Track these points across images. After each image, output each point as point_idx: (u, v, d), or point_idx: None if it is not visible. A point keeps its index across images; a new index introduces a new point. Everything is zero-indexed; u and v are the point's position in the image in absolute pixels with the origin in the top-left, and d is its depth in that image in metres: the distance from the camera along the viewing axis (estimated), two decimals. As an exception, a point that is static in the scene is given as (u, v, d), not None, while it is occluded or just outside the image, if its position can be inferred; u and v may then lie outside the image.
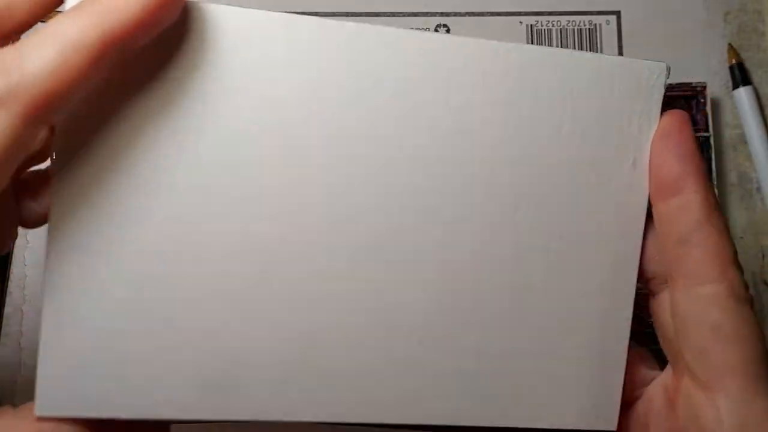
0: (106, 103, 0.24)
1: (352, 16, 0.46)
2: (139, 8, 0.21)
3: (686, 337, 0.25)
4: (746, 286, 0.25)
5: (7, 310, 0.42)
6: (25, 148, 0.22)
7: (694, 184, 0.25)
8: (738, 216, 0.45)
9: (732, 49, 0.46)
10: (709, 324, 0.24)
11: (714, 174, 0.44)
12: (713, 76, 0.46)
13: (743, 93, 0.45)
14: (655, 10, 0.47)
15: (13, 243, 0.29)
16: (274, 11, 0.25)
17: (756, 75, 0.46)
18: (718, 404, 0.24)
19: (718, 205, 0.25)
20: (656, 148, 0.26)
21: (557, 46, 0.46)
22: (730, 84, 0.46)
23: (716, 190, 0.43)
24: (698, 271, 0.25)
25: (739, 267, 0.25)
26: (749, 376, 0.24)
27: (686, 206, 0.25)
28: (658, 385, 0.28)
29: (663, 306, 0.27)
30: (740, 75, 0.46)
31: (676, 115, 0.26)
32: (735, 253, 0.25)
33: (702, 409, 0.25)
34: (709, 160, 0.44)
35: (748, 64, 0.46)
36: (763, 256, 0.45)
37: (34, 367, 0.41)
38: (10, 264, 0.42)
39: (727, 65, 0.46)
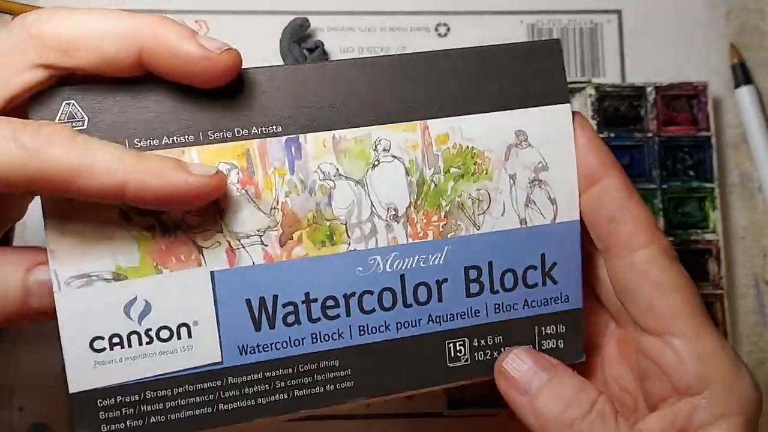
0: None
1: (354, 15, 0.46)
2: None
3: (631, 297, 0.28)
4: (672, 246, 0.29)
5: (5, 310, 0.42)
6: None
7: (610, 171, 0.29)
8: (739, 216, 0.45)
9: (734, 49, 0.46)
10: (650, 282, 0.28)
11: (715, 173, 0.43)
12: (715, 76, 0.46)
13: (745, 92, 0.45)
14: (657, 9, 0.47)
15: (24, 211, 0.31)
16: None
17: (758, 74, 0.46)
18: (674, 346, 0.28)
19: (632, 185, 0.29)
20: (577, 148, 0.30)
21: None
22: (732, 83, 0.46)
23: (717, 190, 0.43)
24: (631, 240, 0.28)
25: (662, 231, 0.29)
26: (695, 317, 0.28)
27: (607, 190, 0.29)
28: (609, 338, 0.32)
29: (601, 273, 0.31)
30: (742, 74, 0.45)
31: (579, 117, 0.30)
32: (655, 219, 0.29)
33: (659, 353, 0.28)
34: (711, 159, 0.44)
35: (749, 64, 0.46)
36: (765, 256, 0.45)
37: (32, 367, 0.41)
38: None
39: (728, 64, 0.46)
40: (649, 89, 0.44)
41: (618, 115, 0.44)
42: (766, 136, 0.45)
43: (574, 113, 0.30)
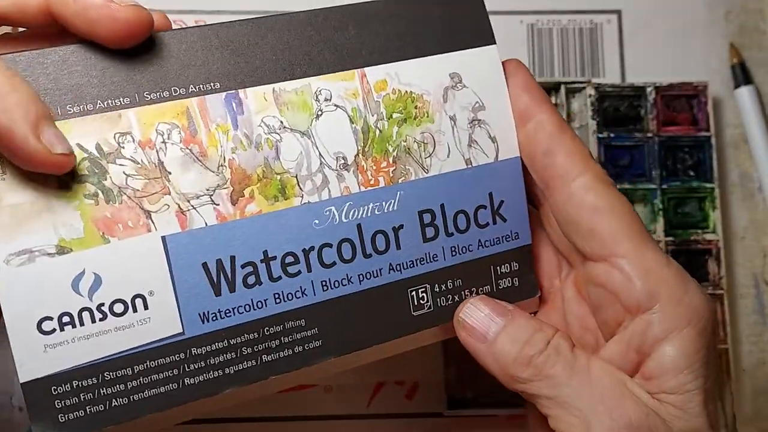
0: None
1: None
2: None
3: (573, 225, 0.29)
4: (606, 173, 0.30)
5: (5, 310, 0.42)
6: None
7: (542, 108, 0.30)
8: (739, 215, 0.45)
9: (734, 49, 0.46)
10: (589, 207, 0.29)
11: (715, 173, 0.43)
12: (714, 76, 0.46)
13: (745, 92, 0.45)
14: (657, 9, 0.47)
15: None
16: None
17: (758, 74, 0.46)
18: (620, 266, 0.28)
19: (564, 121, 0.31)
20: (510, 88, 0.31)
21: (558, 46, 0.46)
22: (732, 83, 0.46)
23: (717, 190, 0.43)
24: (566, 171, 0.29)
25: (595, 160, 0.30)
26: (635, 236, 0.28)
27: (540, 125, 0.30)
28: (565, 281, 0.33)
29: (548, 214, 0.31)
30: (742, 74, 0.45)
31: (513, 61, 0.31)
32: (589, 150, 0.30)
33: (607, 276, 0.29)
34: (711, 159, 0.44)
35: (749, 64, 0.46)
36: (765, 256, 0.45)
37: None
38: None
39: (728, 64, 0.46)
40: (649, 89, 0.44)
41: (618, 115, 0.44)
42: (766, 136, 0.45)
43: (508, 60, 0.31)
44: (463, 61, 0.30)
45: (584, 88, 0.44)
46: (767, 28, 0.47)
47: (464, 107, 0.30)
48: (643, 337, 0.28)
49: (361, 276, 0.29)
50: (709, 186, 0.43)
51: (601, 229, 0.29)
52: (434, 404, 0.42)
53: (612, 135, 0.43)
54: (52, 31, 0.27)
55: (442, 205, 0.30)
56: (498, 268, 0.31)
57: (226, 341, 0.27)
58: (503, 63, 0.31)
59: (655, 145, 0.43)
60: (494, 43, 0.31)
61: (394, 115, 0.29)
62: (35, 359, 0.25)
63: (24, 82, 0.25)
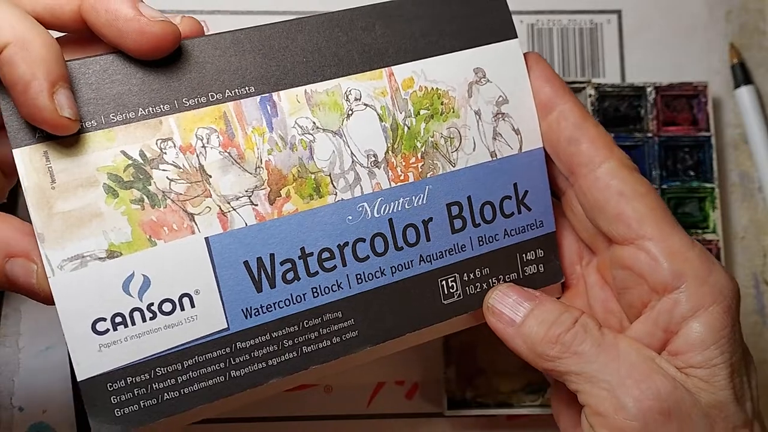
0: None
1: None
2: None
3: (600, 210, 0.30)
4: (629, 158, 0.31)
5: (5, 310, 0.42)
6: None
7: (564, 98, 0.31)
8: (739, 215, 0.45)
9: (734, 49, 0.46)
10: (615, 192, 0.30)
11: (715, 173, 0.43)
12: (714, 76, 0.46)
13: (745, 92, 0.45)
14: (657, 9, 0.47)
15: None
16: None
17: (758, 74, 0.46)
18: (646, 248, 0.29)
19: (585, 109, 0.31)
20: (532, 81, 0.32)
21: (558, 46, 0.46)
22: (732, 83, 0.46)
23: (717, 190, 0.43)
24: (591, 157, 0.30)
25: (618, 147, 0.31)
26: (660, 219, 0.29)
27: (563, 115, 0.31)
28: (587, 267, 0.34)
29: (570, 202, 0.32)
30: (742, 74, 0.45)
31: (532, 54, 0.32)
32: (612, 137, 0.31)
33: (633, 259, 0.29)
34: (711, 159, 0.43)
35: (749, 64, 0.46)
36: (765, 256, 0.45)
37: (32, 368, 0.41)
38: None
39: (728, 64, 0.46)
40: (649, 89, 0.44)
41: (618, 115, 0.44)
42: (766, 136, 0.45)
43: (529, 53, 0.32)
44: (486, 56, 0.31)
45: (584, 88, 0.44)
46: (767, 28, 0.47)
47: (488, 101, 0.31)
48: (671, 315, 0.29)
49: (393, 268, 0.30)
50: (709, 186, 0.43)
51: (627, 213, 0.29)
52: (434, 404, 0.42)
53: (612, 135, 0.43)
54: (87, 35, 0.27)
55: (468, 197, 0.31)
56: (524, 255, 0.32)
57: (268, 335, 0.29)
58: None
59: (655, 145, 0.43)
60: (516, 36, 0.32)
61: (422, 112, 0.30)
62: (91, 358, 0.26)
63: (55, 42, 0.25)
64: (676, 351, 0.28)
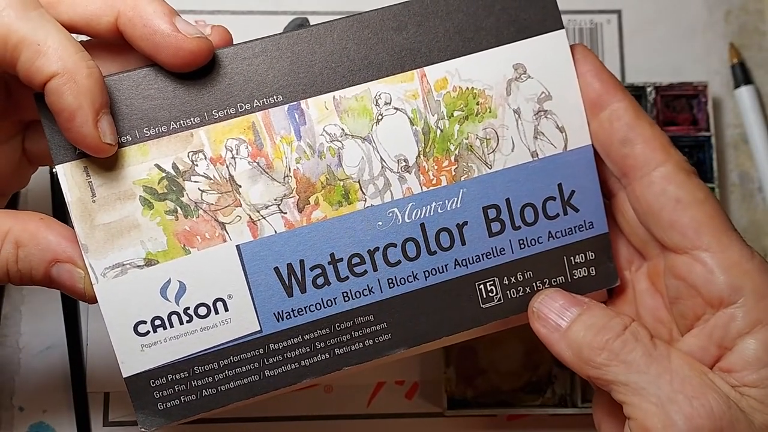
0: None
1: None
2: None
3: (654, 216, 0.29)
4: (687, 161, 0.29)
5: (5, 310, 0.42)
6: None
7: (616, 95, 0.29)
8: (739, 216, 0.45)
9: (733, 49, 0.46)
10: (671, 199, 0.28)
11: (715, 174, 0.43)
12: (714, 76, 0.46)
13: (745, 92, 0.45)
14: (657, 9, 0.47)
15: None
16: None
17: (757, 74, 0.46)
18: (702, 259, 0.28)
19: (639, 106, 0.29)
20: (579, 75, 0.30)
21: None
22: (732, 83, 0.46)
23: (717, 190, 0.43)
24: (646, 160, 0.29)
25: (676, 148, 0.29)
26: (719, 229, 0.28)
27: (616, 114, 0.29)
28: (637, 273, 0.32)
29: (621, 205, 0.31)
30: (742, 74, 0.45)
31: (580, 46, 0.30)
32: (669, 138, 0.29)
33: (688, 270, 0.28)
34: (711, 159, 0.44)
35: (749, 64, 0.46)
36: (765, 256, 0.45)
37: (32, 367, 0.41)
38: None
39: (728, 65, 0.46)
40: (649, 89, 0.44)
41: (618, 115, 0.44)
42: (766, 136, 0.45)
43: (575, 44, 0.30)
44: (527, 51, 0.30)
45: (584, 88, 0.44)
46: (767, 29, 0.47)
47: (529, 99, 0.30)
48: (726, 330, 0.27)
49: (426, 272, 0.30)
50: (709, 186, 0.43)
51: (683, 222, 0.28)
52: (434, 404, 0.42)
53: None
54: (122, 43, 0.28)
55: (507, 200, 0.30)
56: (572, 258, 0.31)
57: (300, 337, 0.29)
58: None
59: (655, 145, 0.43)
60: (562, 27, 0.30)
61: (455, 113, 0.30)
62: (134, 357, 0.28)
63: (97, 68, 0.26)
64: (729, 368, 0.27)
